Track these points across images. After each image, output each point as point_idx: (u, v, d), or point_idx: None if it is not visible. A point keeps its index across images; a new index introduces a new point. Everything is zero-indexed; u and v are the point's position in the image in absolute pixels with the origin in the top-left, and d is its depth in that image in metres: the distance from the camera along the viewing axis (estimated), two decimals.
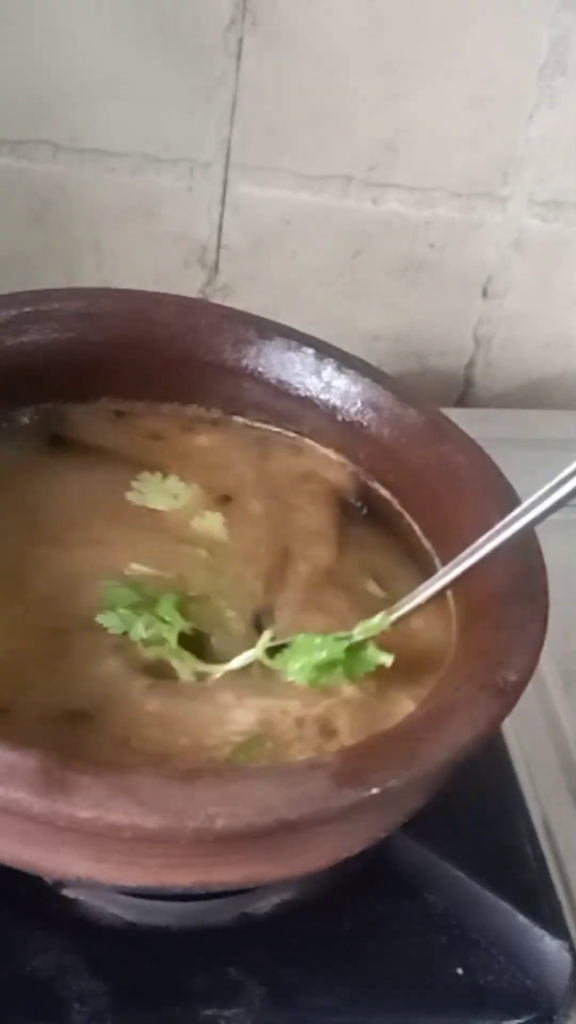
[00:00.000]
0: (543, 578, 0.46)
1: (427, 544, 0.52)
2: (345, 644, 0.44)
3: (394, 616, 0.45)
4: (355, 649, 0.44)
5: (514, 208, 0.74)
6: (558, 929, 0.47)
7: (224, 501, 0.53)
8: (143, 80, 0.68)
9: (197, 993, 0.44)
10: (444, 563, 0.51)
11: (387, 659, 0.44)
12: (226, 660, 0.45)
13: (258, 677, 0.45)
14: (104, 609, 0.45)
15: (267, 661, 0.45)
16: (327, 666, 0.44)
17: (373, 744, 0.40)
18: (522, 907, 0.47)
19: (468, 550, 0.45)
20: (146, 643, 0.45)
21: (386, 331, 0.79)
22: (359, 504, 0.54)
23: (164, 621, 0.45)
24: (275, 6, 0.66)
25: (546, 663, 0.45)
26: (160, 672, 0.45)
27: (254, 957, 0.46)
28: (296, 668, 0.45)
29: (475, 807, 0.51)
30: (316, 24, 0.67)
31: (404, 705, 0.44)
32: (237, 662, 0.45)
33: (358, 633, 0.45)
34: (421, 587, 0.46)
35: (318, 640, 0.45)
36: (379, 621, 0.45)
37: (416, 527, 0.53)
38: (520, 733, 0.57)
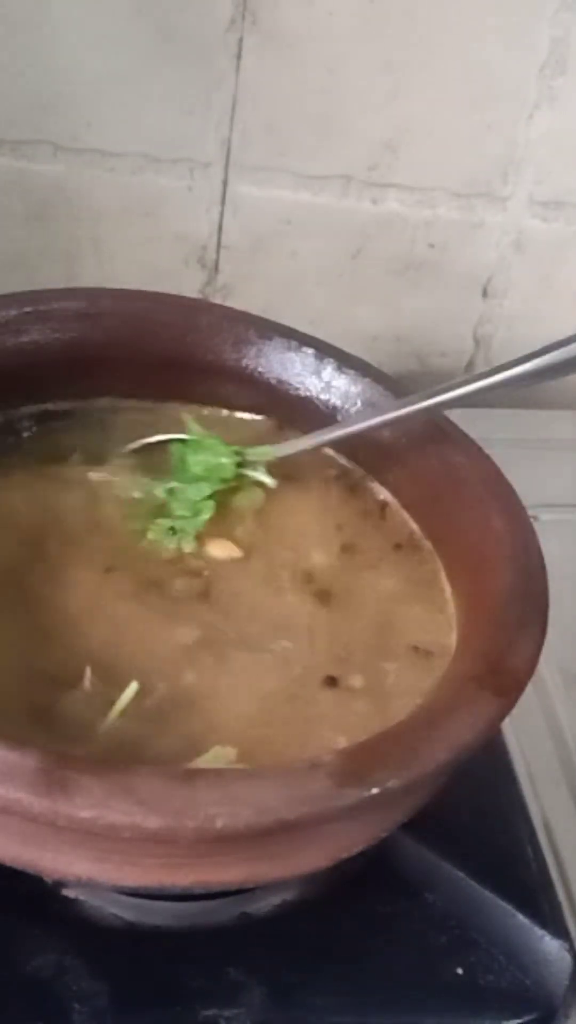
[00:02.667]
0: (543, 578, 0.46)
1: (427, 544, 0.52)
2: (238, 459, 0.52)
3: (283, 451, 0.53)
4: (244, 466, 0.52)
5: (514, 208, 0.74)
6: (558, 929, 0.47)
7: None
8: (143, 80, 0.68)
9: (197, 993, 0.44)
10: (445, 563, 0.51)
11: (270, 481, 0.52)
12: None
13: None
14: None
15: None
16: (217, 470, 0.52)
17: (373, 744, 0.40)
18: (522, 907, 0.47)
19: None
20: None
21: (386, 331, 0.79)
22: None
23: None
24: (275, 6, 0.66)
25: (546, 663, 0.45)
26: None
27: (254, 957, 0.46)
28: (196, 459, 0.52)
29: (475, 807, 0.51)
30: (316, 24, 0.67)
31: None
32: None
33: (251, 453, 0.52)
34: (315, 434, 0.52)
35: (223, 447, 0.52)
36: (267, 449, 0.53)
37: (416, 527, 0.53)
38: (520, 733, 0.57)
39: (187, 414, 0.54)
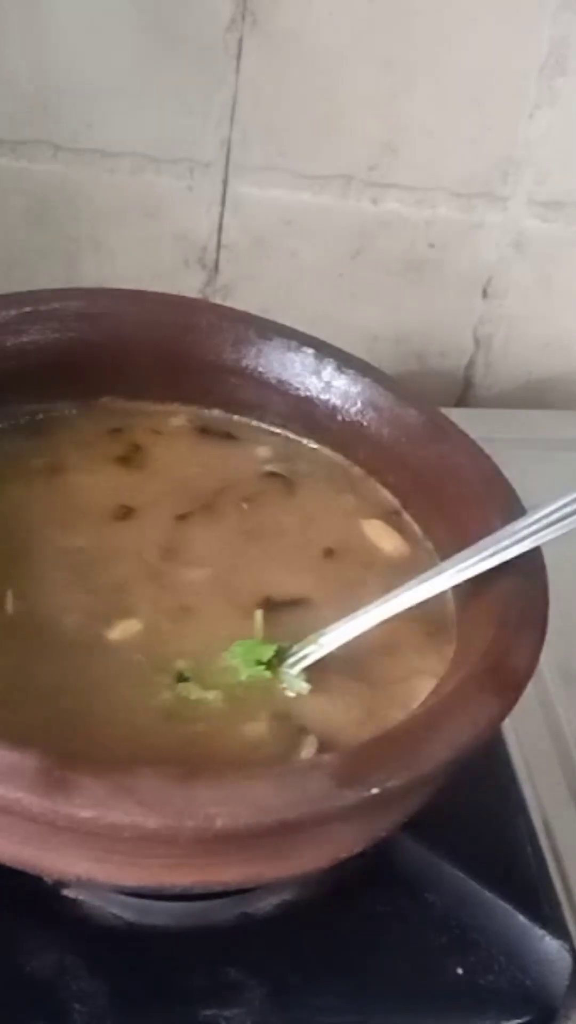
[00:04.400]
0: (543, 578, 0.46)
1: (428, 544, 0.52)
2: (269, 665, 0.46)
3: (330, 644, 0.46)
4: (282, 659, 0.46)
5: (514, 208, 0.74)
6: (558, 929, 0.47)
7: None
8: (143, 80, 0.68)
9: (197, 993, 0.44)
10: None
11: (303, 687, 0.45)
12: None
13: None
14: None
15: None
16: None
17: (373, 744, 0.40)
18: (522, 907, 0.47)
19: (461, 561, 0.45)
20: None
21: (386, 331, 0.79)
22: None
23: None
24: (275, 6, 0.66)
25: (546, 663, 0.45)
26: None
27: (254, 957, 0.46)
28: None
29: (475, 807, 0.51)
30: (316, 24, 0.67)
31: None
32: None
33: (295, 651, 0.46)
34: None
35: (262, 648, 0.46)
36: (311, 643, 0.45)
37: (416, 527, 0.53)
38: (520, 733, 0.57)
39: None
